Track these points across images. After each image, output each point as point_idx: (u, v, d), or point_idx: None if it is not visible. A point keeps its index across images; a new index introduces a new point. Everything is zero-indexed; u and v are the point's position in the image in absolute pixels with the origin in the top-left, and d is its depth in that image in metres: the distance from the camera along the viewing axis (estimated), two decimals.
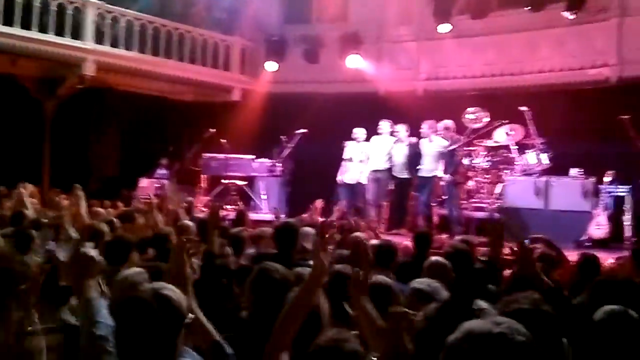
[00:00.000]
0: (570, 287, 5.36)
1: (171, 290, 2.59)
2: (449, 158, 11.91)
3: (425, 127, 12.26)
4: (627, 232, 11.57)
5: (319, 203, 10.31)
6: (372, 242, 6.61)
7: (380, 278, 4.02)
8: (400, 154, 12.86)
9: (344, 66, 16.28)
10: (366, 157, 13.13)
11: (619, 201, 11.94)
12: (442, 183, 11.96)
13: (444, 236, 11.02)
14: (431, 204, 12.31)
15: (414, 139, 12.73)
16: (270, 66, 17.01)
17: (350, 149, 13.37)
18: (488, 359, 1.70)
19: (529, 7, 14.06)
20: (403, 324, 2.64)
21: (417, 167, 12.58)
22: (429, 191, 12.22)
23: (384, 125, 13.12)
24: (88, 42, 14.50)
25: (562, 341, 2.74)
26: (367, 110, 14.88)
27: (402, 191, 13.01)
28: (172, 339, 2.49)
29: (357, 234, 6.84)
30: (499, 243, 4.05)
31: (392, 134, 13.04)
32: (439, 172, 12.04)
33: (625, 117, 11.16)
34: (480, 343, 1.71)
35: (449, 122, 12.30)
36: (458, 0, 15.19)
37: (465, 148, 12.58)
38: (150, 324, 2.43)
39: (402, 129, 12.89)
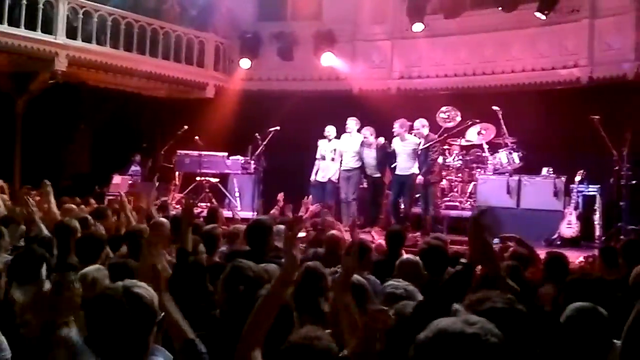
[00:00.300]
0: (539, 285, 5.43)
1: (143, 288, 2.56)
2: (424, 157, 11.91)
3: (396, 126, 12.22)
4: (597, 231, 11.72)
5: (281, 196, 10.31)
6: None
7: (355, 277, 4.01)
8: (370, 157, 12.84)
9: (318, 64, 16.29)
10: (338, 155, 13.11)
11: (589, 200, 12.08)
12: (417, 181, 11.92)
13: (417, 234, 11.08)
14: (408, 202, 12.28)
15: (381, 140, 12.66)
16: (245, 63, 16.96)
17: (322, 147, 13.36)
18: (460, 359, 1.66)
19: (502, 8, 14.17)
20: (381, 321, 2.63)
21: (392, 166, 12.58)
22: (407, 189, 12.16)
23: (351, 123, 13.05)
24: (60, 37, 14.31)
25: (535, 341, 2.74)
26: (341, 108, 14.89)
27: (374, 189, 13.03)
28: (143, 337, 2.47)
29: (334, 232, 6.84)
30: (482, 244, 3.99)
31: (359, 131, 12.99)
32: (415, 170, 12.01)
33: (596, 117, 11.27)
34: (453, 343, 1.67)
35: (424, 121, 12.30)
36: (431, 0, 15.26)
37: (438, 147, 12.64)
38: (121, 321, 2.41)
39: (367, 132, 12.74)
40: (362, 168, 12.95)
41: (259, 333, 2.88)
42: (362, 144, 12.80)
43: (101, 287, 4.05)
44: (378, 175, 12.90)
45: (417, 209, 12.41)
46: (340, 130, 13.26)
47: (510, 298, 2.71)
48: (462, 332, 1.68)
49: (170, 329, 2.84)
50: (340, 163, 13.04)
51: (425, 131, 12.10)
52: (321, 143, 13.35)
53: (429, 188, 12.00)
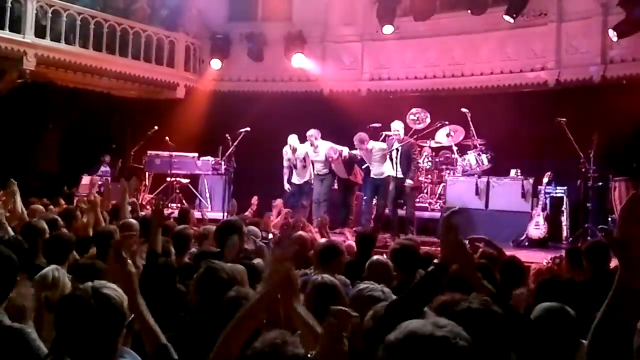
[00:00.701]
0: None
1: (112, 289, 2.56)
2: (406, 160, 11.83)
3: (356, 143, 12.11)
4: (565, 232, 11.89)
5: (255, 199, 10.32)
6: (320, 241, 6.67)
7: (327, 277, 4.02)
8: (338, 168, 12.79)
9: (288, 65, 16.30)
10: (309, 162, 13.02)
11: (556, 202, 12.25)
12: (406, 185, 11.87)
13: (387, 235, 11.12)
14: (382, 204, 12.26)
15: (345, 153, 12.55)
16: (215, 64, 16.92)
17: (288, 155, 13.21)
18: None
19: (471, 11, 14.31)
20: (343, 323, 2.60)
21: (364, 167, 12.61)
22: (382, 192, 12.13)
23: (314, 134, 12.75)
24: (28, 36, 14.15)
25: (509, 342, 2.74)
26: (312, 109, 14.94)
27: (345, 190, 13.04)
28: (111, 338, 2.48)
29: (301, 233, 6.86)
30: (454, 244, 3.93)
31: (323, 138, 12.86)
32: (389, 172, 11.96)
33: (563, 119, 11.42)
34: (422, 345, 1.68)
35: (401, 124, 12.28)
36: (401, 2, 15.35)
37: (417, 148, 12.73)
38: (89, 322, 2.41)
39: (331, 152, 12.51)
40: (333, 172, 12.93)
41: (231, 352, 2.73)
42: (327, 160, 12.69)
43: (63, 286, 4.03)
44: (348, 177, 12.90)
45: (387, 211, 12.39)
46: (302, 136, 13.11)
47: (487, 299, 2.70)
48: (432, 335, 1.69)
49: (143, 333, 2.82)
50: (313, 167, 13.01)
51: (402, 133, 12.10)
52: (286, 152, 13.24)
53: (413, 191, 12.08)
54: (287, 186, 13.22)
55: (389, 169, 11.98)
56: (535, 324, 3.18)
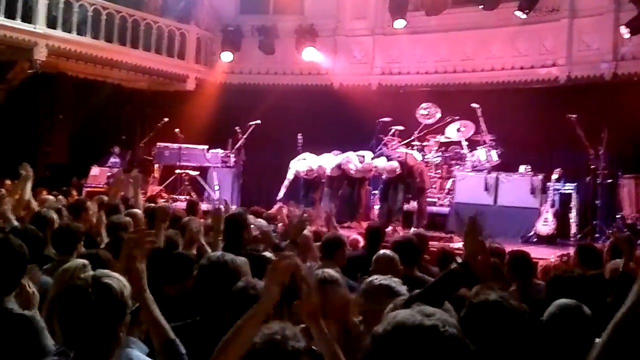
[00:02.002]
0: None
1: (113, 278, 2.56)
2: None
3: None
4: (573, 228, 11.85)
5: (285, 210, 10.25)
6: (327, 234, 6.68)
7: (327, 272, 4.02)
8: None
9: (299, 58, 16.30)
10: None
11: (565, 198, 12.20)
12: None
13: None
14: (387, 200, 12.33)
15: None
16: (226, 56, 16.92)
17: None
18: (419, 351, 1.65)
19: (483, 6, 14.25)
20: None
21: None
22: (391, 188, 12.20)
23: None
24: (40, 26, 14.17)
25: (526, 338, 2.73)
26: (322, 103, 14.94)
27: (355, 185, 13.01)
28: (112, 328, 2.48)
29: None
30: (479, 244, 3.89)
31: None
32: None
33: (573, 116, 11.40)
34: (412, 335, 1.66)
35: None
36: None
37: (418, 143, 12.76)
38: (88, 312, 2.42)
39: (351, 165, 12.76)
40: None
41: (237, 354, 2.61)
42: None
43: None
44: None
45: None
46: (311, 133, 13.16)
47: (505, 294, 2.73)
48: (421, 325, 1.67)
49: (150, 328, 2.80)
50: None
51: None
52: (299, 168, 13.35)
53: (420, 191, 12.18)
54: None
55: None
56: (551, 322, 3.15)
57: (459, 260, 3.00)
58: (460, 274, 2.91)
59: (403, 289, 3.71)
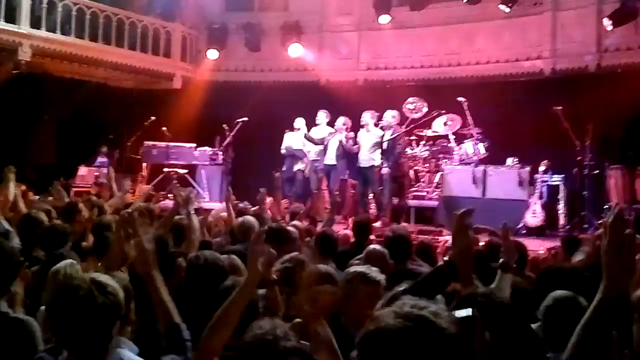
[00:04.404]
0: None
1: (109, 279, 2.58)
2: (391, 149, 11.94)
3: (368, 115, 12.23)
4: (561, 220, 11.94)
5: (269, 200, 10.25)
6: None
7: (323, 267, 4.05)
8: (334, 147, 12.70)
9: (285, 55, 16.30)
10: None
11: (553, 190, 12.30)
12: (383, 173, 11.93)
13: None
14: (377, 193, 12.34)
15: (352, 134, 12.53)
16: (212, 54, 16.90)
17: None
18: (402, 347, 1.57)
19: (466, 0, 14.31)
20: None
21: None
22: (371, 182, 12.22)
23: (321, 115, 13.02)
24: (24, 27, 14.09)
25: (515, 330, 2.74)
26: (308, 99, 14.94)
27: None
28: (107, 328, 2.49)
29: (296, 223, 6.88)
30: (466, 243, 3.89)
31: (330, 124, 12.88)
32: (376, 162, 12.07)
33: (558, 108, 11.48)
34: (391, 337, 1.58)
35: (395, 112, 12.36)
36: None
37: (405, 138, 12.75)
38: (85, 313, 2.42)
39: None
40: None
41: (217, 343, 2.76)
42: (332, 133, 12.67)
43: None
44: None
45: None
46: (308, 123, 13.15)
47: (491, 289, 2.75)
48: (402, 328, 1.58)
49: (157, 309, 2.81)
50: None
51: (394, 122, 12.15)
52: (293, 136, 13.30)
53: (394, 180, 12.11)
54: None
55: (377, 159, 12.06)
56: (546, 313, 3.17)
57: (446, 259, 3.03)
58: (445, 272, 2.94)
59: (379, 276, 3.80)
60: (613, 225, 2.19)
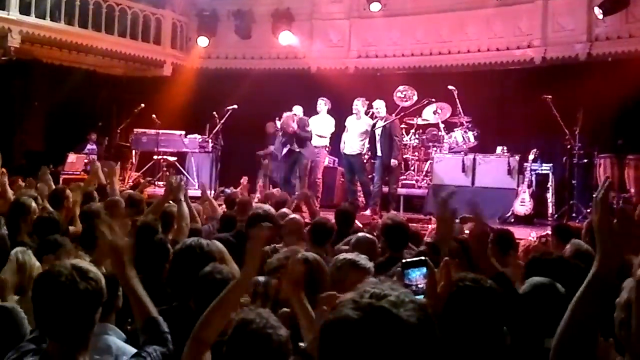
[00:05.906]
0: None
1: (91, 265, 2.58)
2: (388, 140, 11.85)
3: (359, 103, 12.21)
4: (550, 208, 11.97)
5: (244, 179, 10.32)
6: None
7: (310, 254, 4.04)
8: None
9: (276, 43, 16.24)
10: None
11: (542, 179, 12.32)
12: (392, 165, 11.89)
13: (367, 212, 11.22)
14: (364, 181, 12.35)
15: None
16: (202, 41, 16.81)
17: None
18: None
19: None
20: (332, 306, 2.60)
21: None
22: (358, 170, 12.24)
23: (320, 103, 12.84)
24: (13, 13, 13.98)
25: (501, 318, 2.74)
26: (299, 87, 14.93)
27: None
28: (89, 315, 2.48)
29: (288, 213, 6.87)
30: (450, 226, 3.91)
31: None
32: (362, 150, 12.15)
33: (548, 96, 11.48)
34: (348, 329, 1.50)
35: (383, 102, 12.33)
36: None
37: (400, 126, 12.77)
38: (67, 299, 2.42)
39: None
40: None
41: (212, 332, 2.74)
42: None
43: (30, 269, 4.02)
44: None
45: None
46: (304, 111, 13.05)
47: (480, 276, 2.76)
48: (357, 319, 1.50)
49: (133, 306, 2.80)
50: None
51: (384, 112, 12.13)
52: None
53: (397, 169, 12.14)
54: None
55: (364, 147, 12.08)
56: (524, 299, 3.19)
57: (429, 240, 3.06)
58: (426, 254, 2.95)
59: (368, 263, 3.84)
60: (604, 200, 2.19)
